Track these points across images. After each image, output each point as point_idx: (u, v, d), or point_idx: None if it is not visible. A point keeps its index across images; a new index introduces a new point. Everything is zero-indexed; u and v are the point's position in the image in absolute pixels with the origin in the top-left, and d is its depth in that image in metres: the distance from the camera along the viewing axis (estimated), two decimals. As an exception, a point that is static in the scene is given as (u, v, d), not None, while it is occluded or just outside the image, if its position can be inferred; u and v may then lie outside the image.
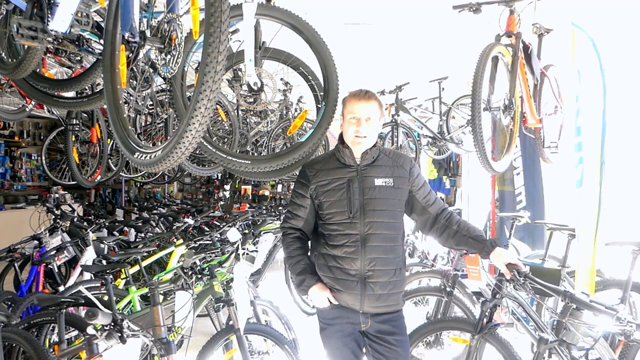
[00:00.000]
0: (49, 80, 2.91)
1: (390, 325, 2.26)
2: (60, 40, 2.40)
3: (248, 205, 9.17)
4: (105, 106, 2.21)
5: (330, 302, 2.26)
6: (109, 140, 5.07)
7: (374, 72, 6.10)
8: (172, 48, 1.89)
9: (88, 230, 4.48)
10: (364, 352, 2.32)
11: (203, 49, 1.59)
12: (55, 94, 3.00)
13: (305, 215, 2.35)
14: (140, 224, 5.70)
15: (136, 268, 4.10)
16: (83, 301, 2.71)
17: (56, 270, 4.09)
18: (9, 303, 3.63)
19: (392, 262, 2.24)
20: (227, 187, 12.31)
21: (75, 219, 5.17)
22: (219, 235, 4.66)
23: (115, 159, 5.76)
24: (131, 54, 1.97)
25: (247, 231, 5.74)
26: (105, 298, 3.29)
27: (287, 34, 2.55)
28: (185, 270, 2.85)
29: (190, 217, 6.41)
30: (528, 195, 4.97)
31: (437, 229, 2.34)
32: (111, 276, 3.15)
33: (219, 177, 12.50)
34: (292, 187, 2.50)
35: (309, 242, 2.46)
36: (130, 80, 2.37)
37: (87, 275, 3.98)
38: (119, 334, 2.02)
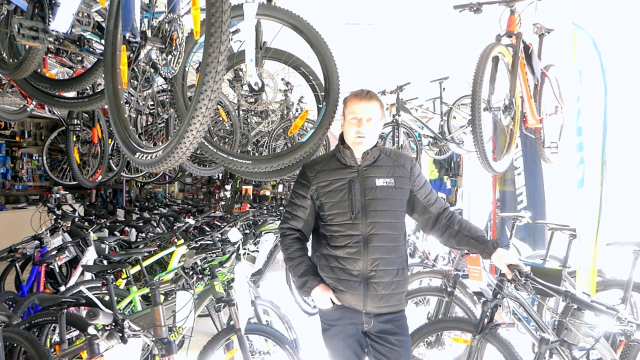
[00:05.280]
0: (50, 81, 2.91)
1: (393, 325, 2.26)
2: (61, 41, 2.40)
3: (249, 205, 9.17)
4: (106, 106, 2.21)
5: (334, 303, 2.26)
6: (110, 140, 5.07)
7: (375, 72, 6.10)
8: (173, 48, 1.89)
9: (89, 230, 4.48)
10: (365, 352, 2.32)
11: (204, 49, 1.59)
12: (57, 94, 3.00)
13: (305, 216, 2.34)
14: (141, 224, 5.70)
15: (137, 268, 4.11)
16: (84, 301, 2.71)
17: (57, 270, 4.08)
18: (10, 303, 3.64)
19: (394, 262, 2.24)
20: (228, 187, 12.32)
21: (77, 219, 5.17)
22: (219, 236, 4.66)
23: (116, 159, 5.77)
24: (132, 54, 1.97)
25: (248, 231, 5.74)
26: (106, 298, 3.30)
27: (288, 34, 2.55)
28: (186, 271, 2.85)
29: (191, 217, 6.42)
30: (529, 195, 4.97)
31: (439, 229, 2.34)
32: (112, 276, 3.15)
33: (220, 177, 12.51)
34: (292, 187, 2.48)
35: (310, 243, 2.46)
36: (131, 81, 2.38)
37: (88, 276, 3.98)
38: (120, 334, 2.03)
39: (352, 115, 2.27)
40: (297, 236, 2.37)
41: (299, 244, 2.36)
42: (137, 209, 8.24)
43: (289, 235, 2.38)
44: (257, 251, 3.37)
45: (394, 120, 5.18)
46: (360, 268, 2.21)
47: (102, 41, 2.26)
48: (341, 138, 2.34)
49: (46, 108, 4.51)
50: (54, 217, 4.91)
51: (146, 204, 9.37)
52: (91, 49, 2.52)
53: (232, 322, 2.90)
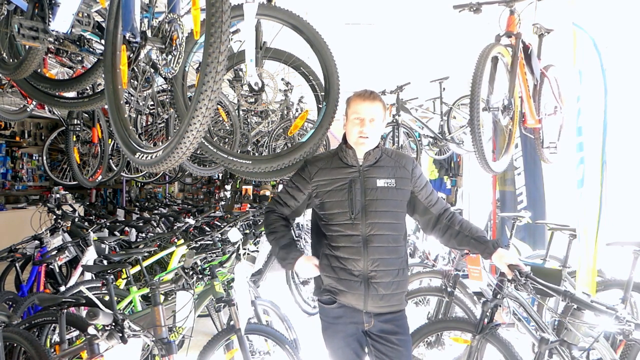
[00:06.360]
0: (50, 81, 2.91)
1: (394, 324, 2.26)
2: (61, 41, 2.40)
3: (249, 205, 9.16)
4: (106, 106, 2.21)
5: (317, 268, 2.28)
6: (110, 140, 5.08)
7: (375, 72, 6.10)
8: (173, 48, 1.89)
9: (89, 230, 4.48)
10: (366, 352, 2.32)
11: (204, 49, 1.59)
12: (57, 94, 3.01)
13: (296, 207, 2.38)
14: (141, 224, 5.70)
15: (137, 268, 4.11)
16: (84, 301, 2.71)
17: (57, 270, 4.08)
18: (10, 303, 3.64)
19: (395, 262, 2.25)
20: (228, 187, 12.32)
21: (77, 219, 5.17)
22: (220, 236, 4.66)
23: (116, 159, 5.77)
24: (132, 54, 1.97)
25: (248, 231, 5.74)
26: (106, 298, 3.30)
27: (288, 34, 2.55)
28: (186, 271, 2.85)
29: (191, 217, 6.41)
30: (529, 195, 4.97)
31: (440, 229, 2.34)
32: (112, 276, 3.15)
33: (220, 177, 12.51)
34: (291, 177, 2.49)
35: (310, 243, 2.46)
36: (131, 81, 2.38)
37: (88, 276, 3.98)
38: (120, 334, 2.03)
39: (355, 115, 2.27)
40: (283, 217, 2.41)
41: (283, 221, 2.40)
42: (137, 209, 8.24)
43: (274, 212, 2.41)
44: (257, 251, 3.37)
45: (394, 120, 5.17)
46: (361, 268, 2.21)
47: (102, 41, 2.26)
48: (344, 138, 2.35)
49: (46, 108, 4.51)
50: (54, 217, 4.91)
51: (146, 204, 9.37)
52: (91, 49, 2.52)
53: (232, 322, 2.90)
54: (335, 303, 2.28)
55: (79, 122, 4.78)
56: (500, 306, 2.58)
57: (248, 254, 3.18)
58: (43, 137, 9.93)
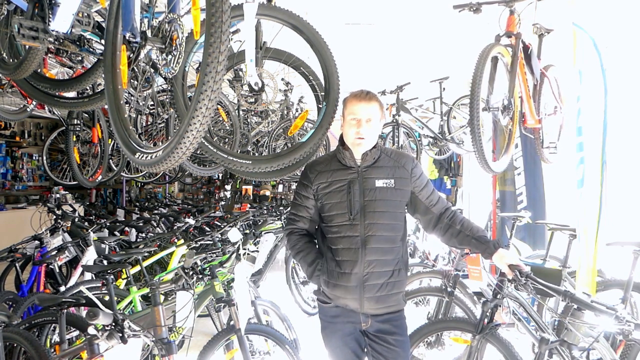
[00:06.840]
0: (50, 81, 2.91)
1: (391, 325, 2.26)
2: (61, 41, 2.40)
3: (249, 206, 9.16)
4: (106, 106, 2.21)
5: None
6: (110, 140, 5.08)
7: (375, 72, 6.10)
8: (173, 48, 1.89)
9: (89, 231, 4.48)
10: (365, 351, 2.32)
11: (204, 49, 1.59)
12: (57, 94, 3.00)
13: (310, 215, 2.37)
14: (141, 224, 5.70)
15: (137, 268, 4.11)
16: (84, 301, 2.71)
17: (57, 270, 4.08)
18: (10, 303, 3.64)
19: (390, 263, 2.24)
20: (228, 187, 12.32)
21: (77, 219, 5.17)
22: (219, 236, 4.66)
23: (116, 159, 5.77)
24: (132, 54, 1.97)
25: (248, 231, 5.74)
26: (106, 298, 3.30)
27: (288, 34, 2.55)
28: (186, 271, 2.85)
29: (191, 217, 6.42)
30: (529, 195, 4.97)
31: (441, 228, 2.33)
32: (112, 276, 3.15)
33: (220, 177, 12.51)
34: (293, 187, 2.50)
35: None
36: (131, 81, 2.38)
37: (88, 276, 3.98)
38: (120, 334, 2.03)
39: (351, 116, 2.26)
40: (303, 233, 2.41)
41: (306, 238, 2.40)
42: (137, 209, 8.23)
43: (295, 232, 2.41)
44: (257, 251, 3.37)
45: (394, 120, 5.18)
46: (358, 270, 2.21)
47: (102, 41, 2.26)
48: (341, 139, 2.34)
49: (46, 108, 4.51)
50: (54, 217, 4.90)
51: (146, 204, 9.37)
52: (91, 49, 2.52)
53: (232, 322, 2.90)
54: (332, 302, 2.29)
55: (79, 122, 4.78)
56: (500, 306, 2.58)
57: (248, 254, 3.18)
58: (43, 137, 9.93)
